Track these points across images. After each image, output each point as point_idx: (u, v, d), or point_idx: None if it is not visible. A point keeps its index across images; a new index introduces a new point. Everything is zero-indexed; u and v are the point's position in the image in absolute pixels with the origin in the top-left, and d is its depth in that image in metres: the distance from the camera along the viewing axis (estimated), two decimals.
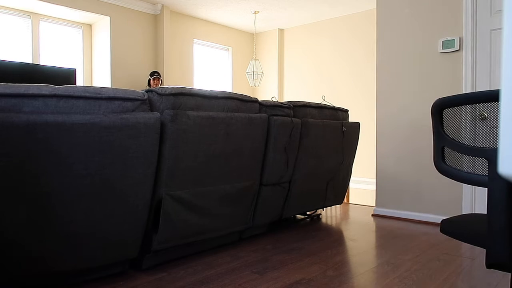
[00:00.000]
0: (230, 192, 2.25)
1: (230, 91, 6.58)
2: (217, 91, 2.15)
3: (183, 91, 1.95)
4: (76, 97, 1.59)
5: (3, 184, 1.45)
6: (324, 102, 3.07)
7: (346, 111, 3.34)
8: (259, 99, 4.04)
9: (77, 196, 1.59)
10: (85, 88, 1.62)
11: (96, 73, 5.44)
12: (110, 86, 2.38)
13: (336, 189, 3.31)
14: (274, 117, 2.44)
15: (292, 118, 2.58)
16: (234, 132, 2.16)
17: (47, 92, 1.53)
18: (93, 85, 3.90)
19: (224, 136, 2.11)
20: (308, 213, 3.43)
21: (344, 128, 3.09)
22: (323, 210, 3.70)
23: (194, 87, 2.04)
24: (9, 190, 1.47)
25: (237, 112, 2.24)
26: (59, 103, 1.56)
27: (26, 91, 1.50)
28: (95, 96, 1.63)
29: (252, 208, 2.47)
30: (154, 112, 1.80)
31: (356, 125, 3.34)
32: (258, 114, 2.34)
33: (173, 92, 1.90)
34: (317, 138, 2.82)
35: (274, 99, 2.62)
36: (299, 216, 3.39)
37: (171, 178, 1.90)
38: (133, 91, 1.77)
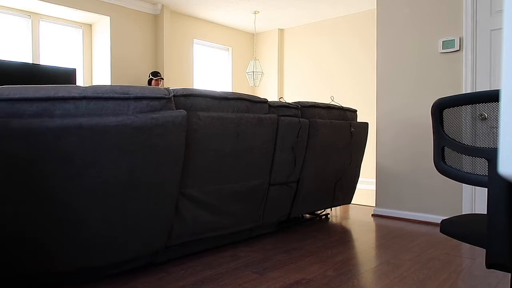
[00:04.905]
0: (240, 190, 2.29)
1: (231, 91, 6.58)
2: (227, 92, 2.18)
3: (194, 92, 1.98)
4: (106, 98, 1.58)
5: (37, 188, 1.47)
6: (332, 103, 3.07)
7: (355, 111, 3.33)
8: None
9: (108, 195, 1.61)
10: (112, 88, 1.61)
11: (96, 73, 5.43)
12: (114, 85, 2.40)
13: (345, 189, 3.32)
14: (282, 118, 2.46)
15: (300, 119, 2.60)
16: (244, 132, 2.19)
17: (76, 94, 1.52)
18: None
19: (234, 136, 2.14)
20: (317, 212, 3.45)
21: (352, 129, 3.09)
22: (331, 210, 3.70)
23: (202, 88, 2.07)
24: (42, 193, 1.48)
25: (247, 112, 2.27)
26: (90, 105, 1.55)
27: (56, 94, 1.49)
28: (123, 97, 1.63)
29: (262, 206, 2.50)
30: (181, 110, 1.81)
31: (365, 125, 3.34)
32: (267, 115, 2.36)
33: (184, 93, 1.93)
34: (325, 138, 2.83)
35: (282, 100, 2.64)
36: (308, 216, 3.40)
37: (182, 176, 1.94)
38: (158, 89, 1.77)
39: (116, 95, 1.61)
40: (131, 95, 1.65)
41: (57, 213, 1.54)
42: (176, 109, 1.88)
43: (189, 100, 1.96)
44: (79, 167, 1.51)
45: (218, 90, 2.17)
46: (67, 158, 1.48)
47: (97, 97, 1.57)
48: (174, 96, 1.89)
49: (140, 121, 1.63)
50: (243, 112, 2.24)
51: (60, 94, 1.50)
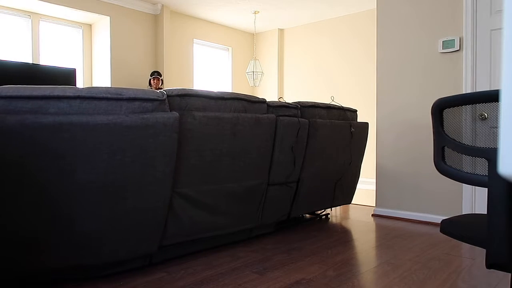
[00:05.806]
0: (237, 190, 2.29)
1: (230, 91, 6.58)
2: (224, 92, 2.18)
3: (189, 92, 2.00)
4: (99, 98, 1.64)
5: (30, 182, 1.50)
6: (332, 103, 3.07)
7: (355, 111, 3.33)
8: None
9: (99, 193, 1.64)
10: (107, 89, 1.67)
11: (96, 73, 5.43)
12: (110, 86, 2.44)
13: (345, 189, 3.32)
14: (281, 118, 2.46)
15: (299, 119, 2.60)
16: (241, 132, 2.19)
17: (71, 94, 1.59)
18: (93, 85, 3.91)
19: (230, 136, 2.14)
20: (317, 212, 3.45)
21: (352, 129, 3.09)
22: (331, 210, 3.70)
23: (198, 88, 2.09)
24: (35, 188, 1.52)
25: (245, 112, 2.27)
26: (83, 104, 1.61)
27: (51, 93, 1.56)
28: (116, 97, 1.68)
29: (260, 207, 2.50)
30: (173, 112, 1.84)
31: (365, 125, 3.34)
32: (265, 115, 2.36)
33: (179, 93, 1.95)
34: (325, 138, 2.83)
35: (281, 100, 2.64)
36: (308, 216, 3.39)
37: (177, 175, 1.94)
38: (153, 91, 1.82)
39: (109, 96, 1.66)
40: (124, 96, 1.70)
41: (48, 210, 1.56)
42: (171, 109, 1.89)
43: (184, 100, 1.97)
44: (70, 164, 1.55)
45: (216, 90, 2.17)
46: (59, 155, 1.53)
47: (91, 97, 1.62)
48: (169, 96, 1.91)
49: (131, 121, 1.67)
50: (240, 112, 2.24)
51: (55, 93, 1.56)
